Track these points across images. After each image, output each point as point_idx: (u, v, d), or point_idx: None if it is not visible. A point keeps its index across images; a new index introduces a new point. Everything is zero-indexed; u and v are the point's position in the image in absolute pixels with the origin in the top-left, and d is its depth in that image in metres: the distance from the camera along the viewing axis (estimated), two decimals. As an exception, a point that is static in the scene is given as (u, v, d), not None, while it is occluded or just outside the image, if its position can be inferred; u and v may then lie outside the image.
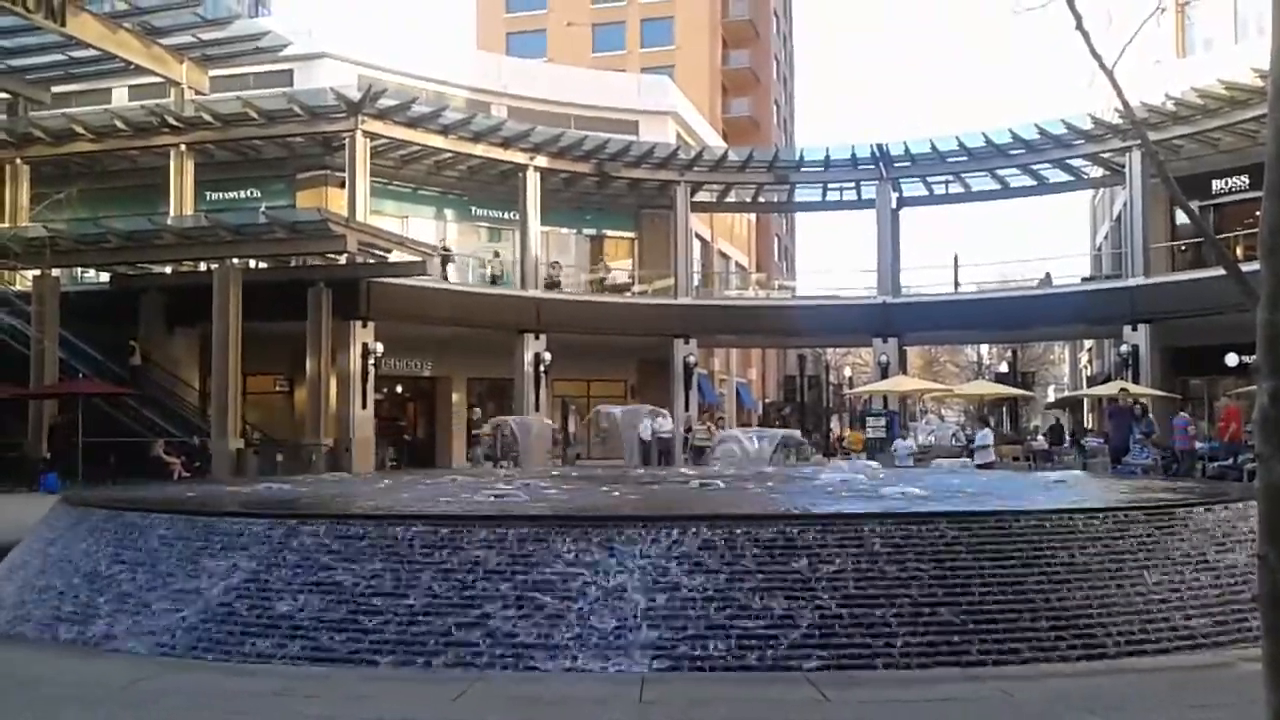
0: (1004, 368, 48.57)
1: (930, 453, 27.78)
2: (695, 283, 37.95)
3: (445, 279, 31.64)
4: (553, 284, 34.15)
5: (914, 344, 43.52)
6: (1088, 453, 27.91)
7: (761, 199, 40.80)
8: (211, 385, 26.25)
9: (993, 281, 40.01)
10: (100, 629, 7.35)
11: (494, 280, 34.04)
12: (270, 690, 5.86)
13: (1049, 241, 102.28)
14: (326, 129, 29.18)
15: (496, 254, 34.89)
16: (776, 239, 66.93)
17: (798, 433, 16.56)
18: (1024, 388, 42.83)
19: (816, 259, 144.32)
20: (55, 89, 31.36)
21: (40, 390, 25.64)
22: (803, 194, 39.76)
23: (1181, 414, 25.55)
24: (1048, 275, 36.40)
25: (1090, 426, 39.75)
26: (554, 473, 16.44)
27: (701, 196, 37.79)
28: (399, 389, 34.44)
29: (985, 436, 24.80)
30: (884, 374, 34.21)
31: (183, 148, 28.92)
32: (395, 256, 27.99)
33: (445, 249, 32.20)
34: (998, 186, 36.85)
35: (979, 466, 22.24)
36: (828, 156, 35.91)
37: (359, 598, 6.79)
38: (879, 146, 34.93)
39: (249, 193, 31.86)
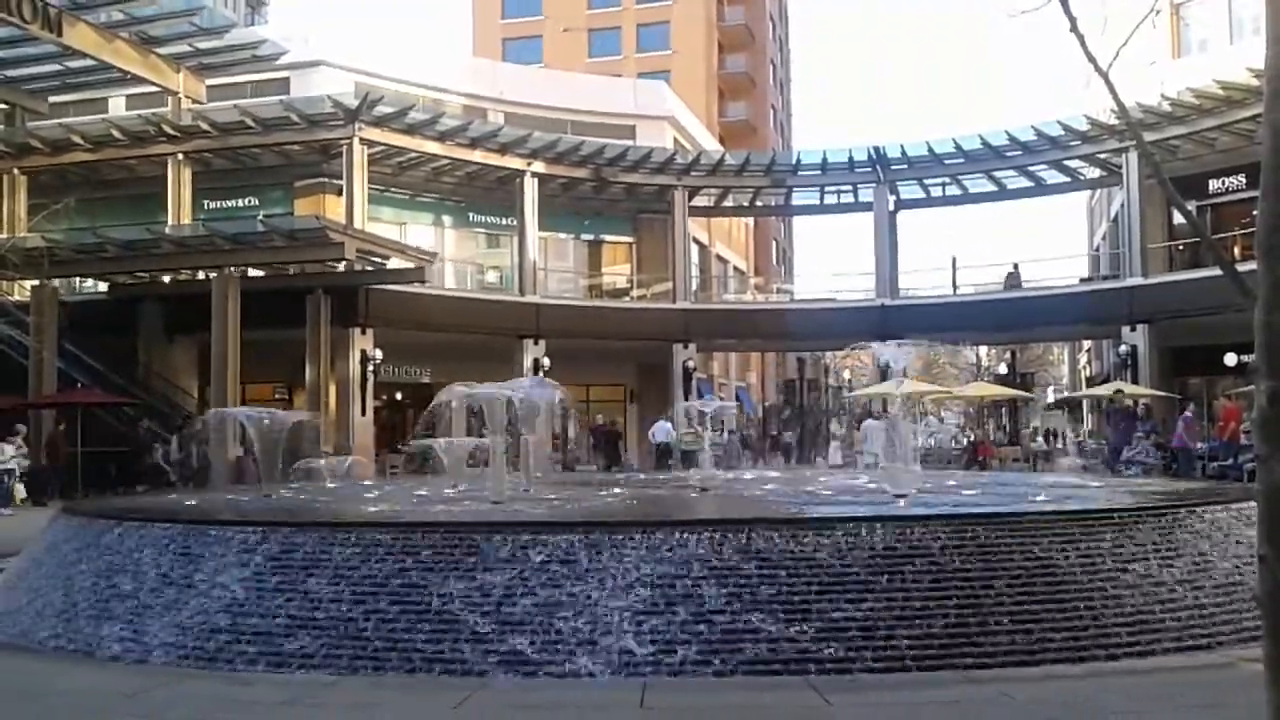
0: (1003, 369, 48.44)
1: (931, 455, 27.71)
2: (694, 287, 37.95)
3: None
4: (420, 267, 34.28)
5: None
6: (1087, 453, 27.87)
7: (759, 203, 40.82)
8: (210, 394, 26.22)
9: (991, 283, 39.93)
10: (105, 638, 7.34)
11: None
12: (277, 699, 5.87)
13: (1046, 242, 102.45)
14: (324, 136, 29.17)
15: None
16: (774, 243, 66.96)
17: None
18: (1023, 389, 42.73)
19: (815, 262, 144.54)
20: (52, 99, 31.37)
21: (39, 400, 25.62)
22: (800, 197, 39.74)
23: (1186, 413, 25.45)
24: (1016, 269, 35.71)
25: (1091, 428, 39.64)
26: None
27: (699, 201, 37.78)
28: (398, 396, 34.40)
29: (870, 427, 21.72)
30: (883, 376, 34.15)
31: (180, 156, 28.94)
32: (394, 263, 28.00)
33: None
34: (995, 188, 36.83)
35: (869, 465, 18.43)
36: (825, 160, 35.90)
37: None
38: (876, 149, 34.92)
39: (247, 201, 31.87)
